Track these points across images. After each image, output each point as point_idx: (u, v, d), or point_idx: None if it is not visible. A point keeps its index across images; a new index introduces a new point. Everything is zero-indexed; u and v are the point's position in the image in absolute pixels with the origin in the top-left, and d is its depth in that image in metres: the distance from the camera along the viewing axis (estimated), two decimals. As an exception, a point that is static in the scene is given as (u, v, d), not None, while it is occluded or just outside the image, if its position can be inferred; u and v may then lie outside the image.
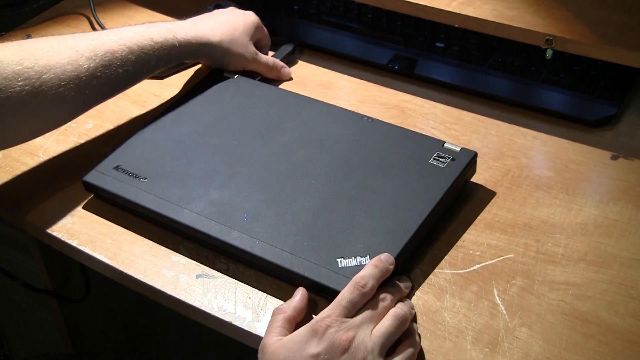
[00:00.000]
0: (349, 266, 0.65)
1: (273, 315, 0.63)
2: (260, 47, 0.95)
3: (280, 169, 0.75)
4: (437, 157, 0.74)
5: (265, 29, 0.96)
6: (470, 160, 0.74)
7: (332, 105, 0.84)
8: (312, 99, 0.86)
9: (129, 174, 0.77)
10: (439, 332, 0.64)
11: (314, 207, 0.71)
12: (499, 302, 0.66)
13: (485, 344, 0.62)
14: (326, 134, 0.79)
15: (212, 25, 0.88)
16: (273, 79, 0.94)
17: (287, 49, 0.98)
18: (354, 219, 0.69)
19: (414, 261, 0.68)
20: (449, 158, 0.74)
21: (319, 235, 0.68)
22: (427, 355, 0.62)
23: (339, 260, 0.65)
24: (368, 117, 0.81)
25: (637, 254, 0.69)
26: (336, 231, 0.68)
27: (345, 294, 0.61)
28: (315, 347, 0.58)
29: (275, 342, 0.60)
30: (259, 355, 0.60)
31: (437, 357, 0.62)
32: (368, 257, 0.65)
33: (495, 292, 0.66)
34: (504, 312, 0.65)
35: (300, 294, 0.64)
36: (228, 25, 0.89)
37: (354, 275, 0.63)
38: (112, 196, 0.76)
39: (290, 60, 0.98)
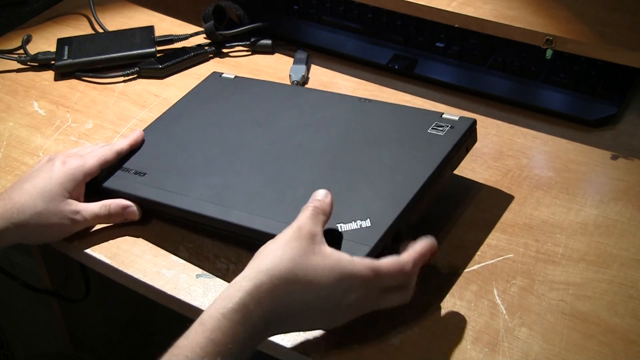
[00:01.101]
0: (350, 230, 0.64)
1: (314, 209, 0.61)
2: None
3: (278, 152, 0.75)
4: (435, 127, 0.73)
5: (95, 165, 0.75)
6: (469, 127, 0.73)
7: (329, 91, 0.84)
8: (309, 88, 0.86)
9: (128, 171, 0.77)
10: (439, 332, 0.64)
11: (312, 181, 0.70)
12: (499, 302, 0.66)
13: (485, 344, 0.62)
14: (324, 117, 0.79)
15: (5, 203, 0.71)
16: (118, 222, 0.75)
17: (302, 57, 0.98)
18: (353, 187, 0.68)
19: (412, 231, 0.67)
20: (447, 126, 0.73)
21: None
22: (427, 355, 0.62)
23: (339, 225, 0.64)
24: (365, 99, 0.80)
25: (637, 254, 0.69)
26: (335, 200, 0.66)
27: (392, 276, 0.60)
28: (352, 295, 0.58)
29: (322, 247, 0.58)
30: (296, 236, 0.58)
31: (437, 357, 0.62)
32: (368, 220, 0.64)
33: (495, 292, 0.66)
34: (504, 312, 0.65)
35: (325, 193, 0.63)
36: (30, 195, 0.71)
37: (353, 238, 0.62)
38: (112, 193, 0.76)
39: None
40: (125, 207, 0.74)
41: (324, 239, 0.60)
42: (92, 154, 0.76)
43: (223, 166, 0.75)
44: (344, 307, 0.59)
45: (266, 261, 0.57)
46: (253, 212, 0.68)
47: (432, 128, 0.73)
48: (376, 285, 0.59)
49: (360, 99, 0.80)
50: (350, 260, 0.58)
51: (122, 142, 0.79)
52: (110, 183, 0.76)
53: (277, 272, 0.56)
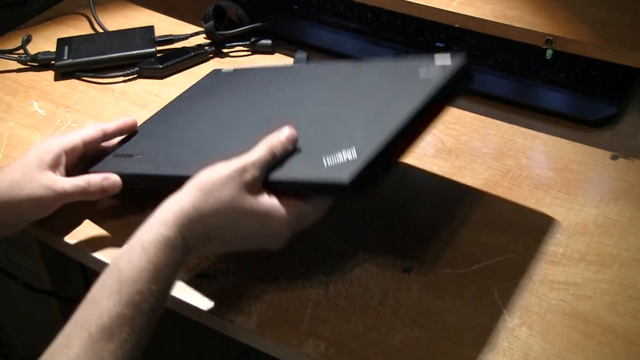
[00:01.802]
0: (335, 163, 0.62)
1: (271, 154, 0.65)
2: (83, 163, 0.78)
3: (270, 118, 0.74)
4: (427, 68, 0.71)
5: (79, 142, 0.76)
6: (464, 65, 0.70)
7: (324, 63, 0.84)
8: (305, 64, 0.85)
9: (125, 156, 0.77)
10: (439, 332, 0.64)
11: (298, 127, 0.68)
12: (499, 302, 0.66)
13: (485, 344, 0.62)
14: (319, 86, 0.78)
15: None
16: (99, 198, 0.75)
17: (302, 57, 0.98)
18: (339, 122, 0.68)
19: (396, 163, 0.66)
20: (439, 66, 0.70)
21: (304, 144, 0.67)
22: (427, 355, 0.62)
23: (324, 159, 0.63)
24: (360, 61, 0.80)
25: (637, 254, 0.69)
26: (320, 134, 0.66)
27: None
28: (279, 231, 0.65)
29: (258, 197, 0.63)
30: (239, 179, 0.62)
31: (437, 357, 0.62)
32: (353, 147, 0.62)
33: (495, 292, 0.66)
34: (504, 312, 0.65)
35: (292, 137, 0.66)
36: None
37: (342, 169, 0.61)
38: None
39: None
40: (105, 178, 0.73)
41: (261, 186, 0.64)
42: (74, 131, 0.77)
43: (215, 141, 0.75)
44: (271, 237, 0.65)
45: (204, 197, 0.62)
46: None
47: (422, 68, 0.70)
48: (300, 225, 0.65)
49: (355, 62, 0.80)
50: (278, 208, 0.63)
51: (109, 123, 0.80)
52: (98, 167, 0.76)
53: (209, 210, 0.62)
